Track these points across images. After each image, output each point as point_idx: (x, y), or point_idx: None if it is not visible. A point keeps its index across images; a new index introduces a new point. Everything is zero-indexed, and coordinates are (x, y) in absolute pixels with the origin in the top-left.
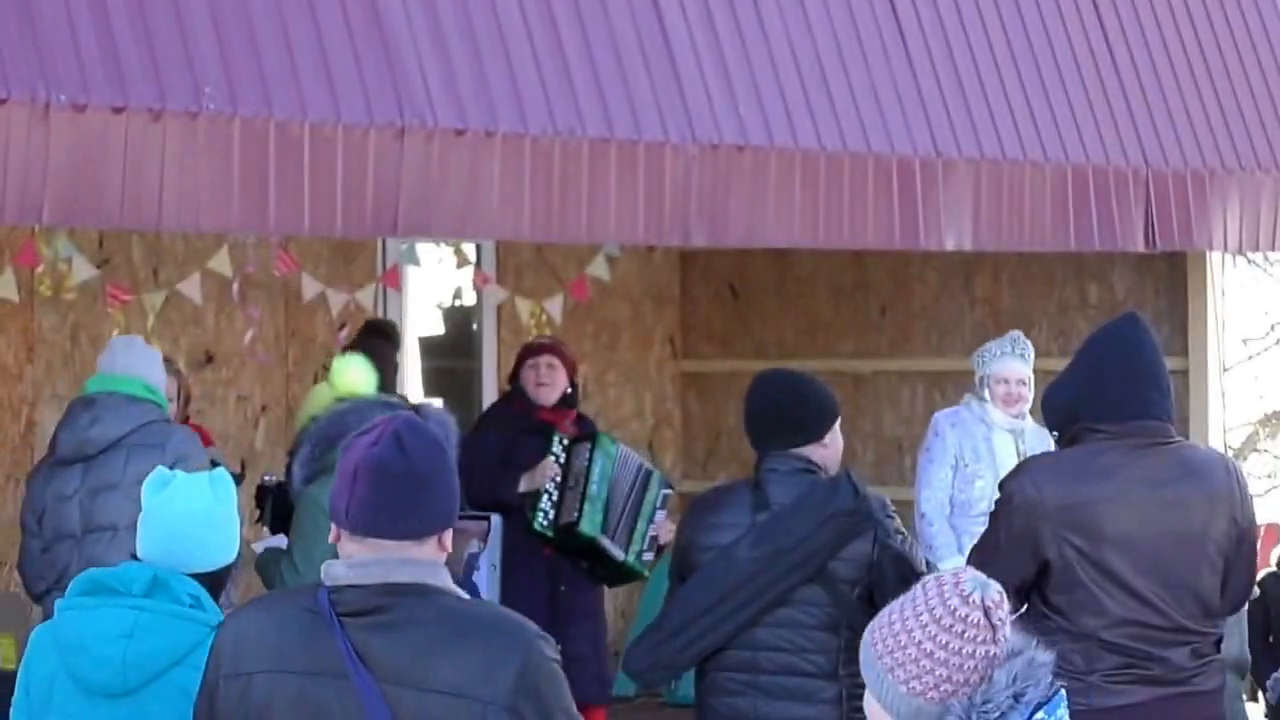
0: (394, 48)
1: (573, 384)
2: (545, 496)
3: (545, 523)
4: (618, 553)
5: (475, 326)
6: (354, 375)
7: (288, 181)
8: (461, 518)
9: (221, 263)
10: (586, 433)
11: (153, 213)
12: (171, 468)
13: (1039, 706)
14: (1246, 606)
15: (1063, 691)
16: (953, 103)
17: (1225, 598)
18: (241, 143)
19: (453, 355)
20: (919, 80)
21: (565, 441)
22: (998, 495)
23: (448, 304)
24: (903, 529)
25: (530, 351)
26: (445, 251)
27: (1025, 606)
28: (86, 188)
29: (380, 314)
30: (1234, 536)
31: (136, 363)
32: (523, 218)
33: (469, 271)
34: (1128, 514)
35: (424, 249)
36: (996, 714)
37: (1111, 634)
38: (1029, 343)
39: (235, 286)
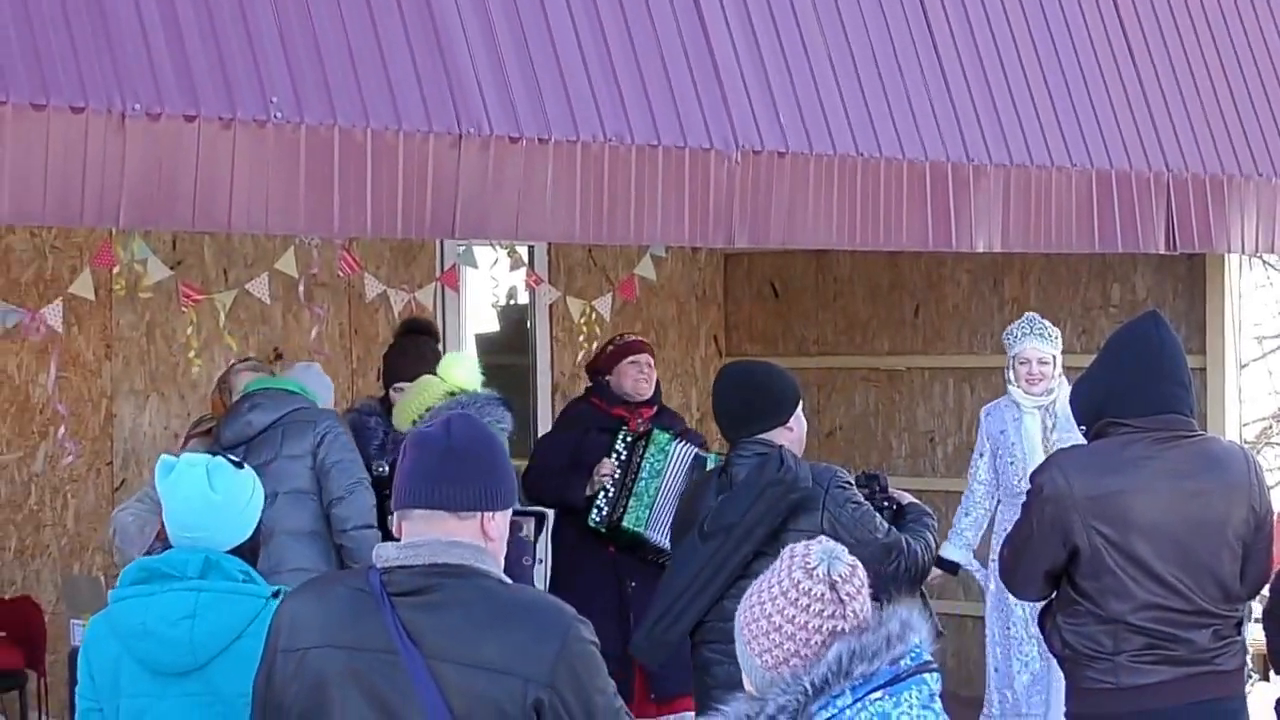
0: (451, 59)
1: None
2: (602, 494)
3: (599, 519)
4: (665, 543)
5: (529, 324)
6: (464, 372)
7: (351, 186)
8: (516, 514)
9: (288, 264)
10: (643, 431)
11: (223, 216)
12: (318, 446)
13: (882, 685)
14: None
15: (928, 675)
16: (983, 111)
17: (1244, 582)
18: (307, 149)
19: (507, 352)
20: (951, 90)
21: (628, 439)
22: (1029, 486)
23: (503, 303)
24: (858, 499)
25: (630, 349)
26: (500, 253)
27: (1056, 591)
28: (161, 192)
29: (439, 313)
30: (1252, 524)
31: (296, 373)
32: (574, 221)
33: (523, 272)
34: (1153, 504)
35: (480, 251)
36: (818, 685)
37: (1137, 617)
38: (1047, 322)
39: (301, 286)
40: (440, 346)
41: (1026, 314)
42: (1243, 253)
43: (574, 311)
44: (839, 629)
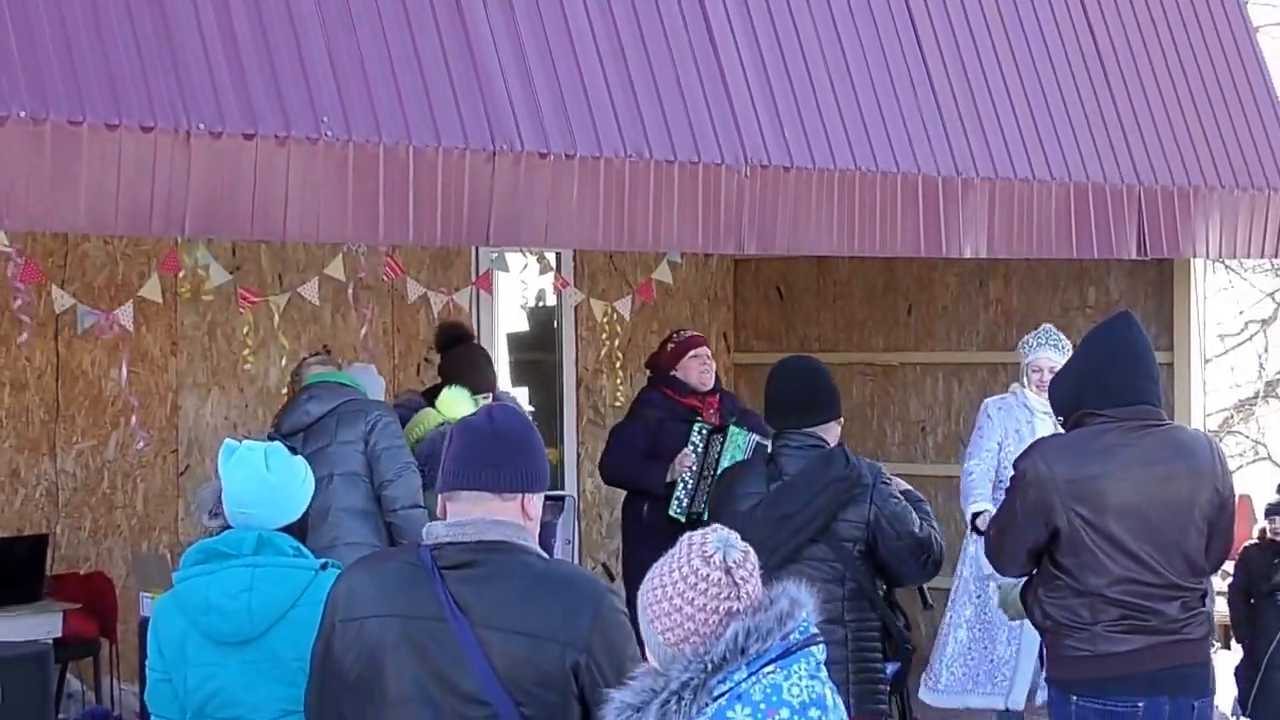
0: (486, 81)
1: None
2: (682, 485)
3: (679, 510)
4: None
5: (555, 324)
6: (462, 407)
7: (395, 198)
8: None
9: (337, 269)
10: (724, 423)
11: (278, 226)
12: (369, 434)
13: (774, 659)
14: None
15: (815, 648)
16: (970, 129)
17: (1209, 558)
18: (355, 165)
19: (536, 349)
20: (941, 109)
21: (705, 431)
22: (1012, 473)
23: (532, 304)
24: (898, 494)
25: (690, 345)
26: (530, 259)
27: (1038, 568)
28: (222, 204)
29: (474, 314)
30: (1216, 505)
31: (353, 372)
32: (597, 229)
33: (550, 276)
34: (1126, 487)
35: (512, 257)
36: (716, 662)
37: (1113, 591)
38: (1062, 335)
39: (349, 289)
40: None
41: (1043, 325)
42: (1207, 258)
43: (597, 312)
44: (734, 609)
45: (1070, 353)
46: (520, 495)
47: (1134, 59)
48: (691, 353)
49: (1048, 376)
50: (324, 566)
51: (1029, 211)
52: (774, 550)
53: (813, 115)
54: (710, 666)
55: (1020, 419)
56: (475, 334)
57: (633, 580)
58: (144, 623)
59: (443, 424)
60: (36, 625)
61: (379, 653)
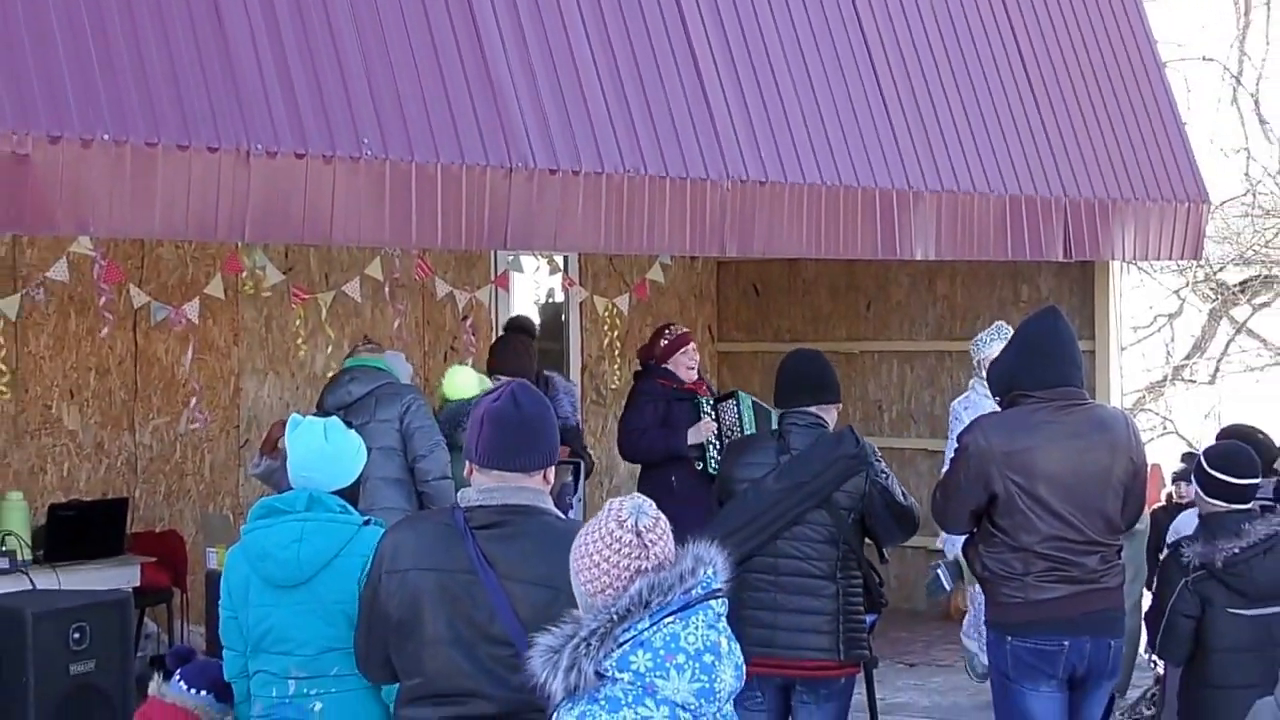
0: (504, 108)
1: None
2: (710, 446)
3: (715, 468)
4: None
5: (563, 318)
6: (463, 380)
7: (425, 208)
8: (560, 463)
9: (376, 269)
10: (727, 393)
11: (325, 232)
12: (404, 414)
13: (674, 611)
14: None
15: (714, 601)
16: (920, 149)
17: (1124, 518)
18: (391, 180)
19: (547, 338)
20: (895, 132)
21: (710, 403)
22: (956, 446)
23: (543, 300)
24: (887, 469)
25: (681, 342)
26: (542, 261)
27: (978, 527)
28: (277, 214)
29: (493, 308)
30: (1131, 472)
31: (386, 357)
32: (599, 235)
33: (559, 276)
34: (1054, 458)
35: (526, 259)
36: (621, 613)
37: (1042, 546)
38: (1011, 329)
39: (386, 287)
40: (534, 342)
41: (996, 323)
42: (1123, 260)
43: (599, 307)
44: (643, 568)
45: None
46: (540, 469)
47: (1060, 89)
48: (682, 349)
49: None
50: (366, 523)
51: (971, 220)
52: (783, 513)
53: (785, 137)
54: (616, 617)
55: (985, 409)
56: (535, 329)
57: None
58: (210, 574)
59: (444, 401)
60: (118, 576)
61: (419, 600)
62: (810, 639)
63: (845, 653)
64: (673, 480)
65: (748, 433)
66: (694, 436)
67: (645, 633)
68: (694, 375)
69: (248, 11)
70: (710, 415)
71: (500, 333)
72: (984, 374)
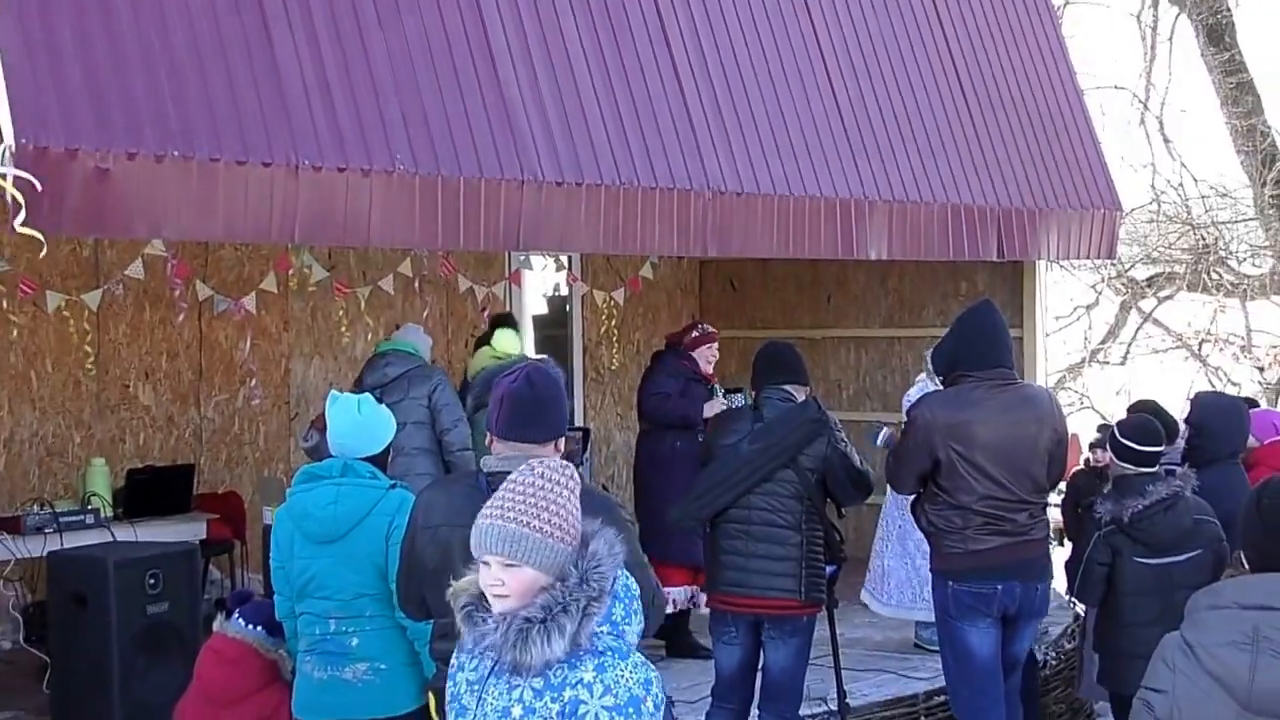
0: (517, 130)
1: None
2: None
3: None
4: None
5: (567, 309)
6: (509, 342)
7: (449, 215)
8: (570, 430)
9: (407, 268)
10: (735, 386)
11: (363, 235)
12: (433, 394)
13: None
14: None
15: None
16: (874, 165)
17: (1049, 480)
18: (420, 190)
19: (553, 326)
20: (853, 150)
21: (726, 392)
22: (905, 419)
23: (550, 294)
24: (845, 439)
25: (710, 337)
26: (549, 260)
27: (924, 488)
28: (322, 219)
29: (507, 302)
30: (1054, 441)
31: (409, 334)
32: (599, 237)
33: (564, 273)
34: (989, 429)
35: (535, 259)
36: (612, 573)
37: (978, 505)
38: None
39: (416, 283)
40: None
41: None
42: (1046, 259)
43: (598, 299)
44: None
45: None
46: (552, 440)
47: (994, 112)
48: (708, 344)
49: None
50: (393, 487)
51: (917, 225)
52: (755, 470)
53: (758, 154)
54: (609, 576)
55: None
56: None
57: (654, 504)
58: (266, 529)
59: (495, 357)
60: (187, 530)
61: (449, 551)
62: (777, 581)
63: (807, 594)
64: (677, 444)
65: None
66: (709, 410)
67: (615, 585)
68: (710, 369)
69: (296, 45)
70: (725, 402)
71: (486, 327)
72: (928, 368)
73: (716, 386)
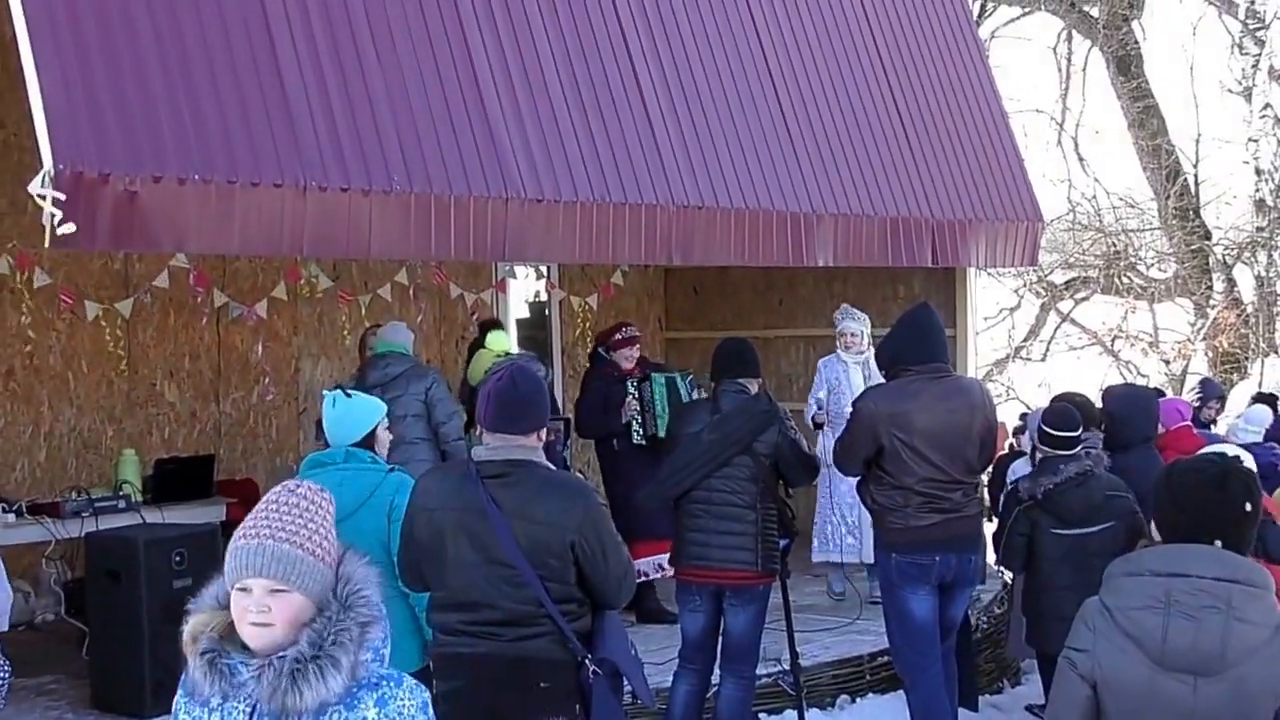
0: (500, 152)
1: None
2: (635, 421)
3: (640, 436)
4: None
5: (546, 313)
6: (501, 341)
7: (441, 228)
8: (551, 419)
9: (403, 277)
10: (643, 375)
11: (363, 248)
12: (428, 390)
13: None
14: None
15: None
16: (821, 181)
17: (980, 462)
18: (415, 207)
19: (535, 329)
20: (802, 169)
21: (634, 384)
22: (851, 410)
23: (531, 300)
24: (794, 427)
25: (630, 340)
26: (530, 270)
27: (868, 470)
28: (327, 234)
29: (494, 309)
30: (985, 427)
31: (398, 334)
32: (574, 249)
33: (544, 281)
34: (927, 417)
35: (519, 269)
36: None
37: (918, 485)
38: (857, 310)
39: (411, 290)
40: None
41: (844, 305)
42: (975, 266)
43: (574, 304)
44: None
45: (862, 320)
46: (534, 432)
47: (929, 134)
48: (628, 346)
49: (850, 340)
50: (391, 470)
51: (860, 235)
52: (714, 457)
53: (717, 172)
54: (376, 604)
55: (839, 369)
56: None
57: (617, 492)
58: None
59: (496, 356)
60: (208, 513)
61: (443, 531)
62: (735, 554)
63: (763, 565)
64: (615, 445)
65: (658, 404)
66: (624, 415)
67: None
68: (630, 365)
69: (304, 80)
70: (633, 394)
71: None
72: (838, 342)
73: (631, 381)
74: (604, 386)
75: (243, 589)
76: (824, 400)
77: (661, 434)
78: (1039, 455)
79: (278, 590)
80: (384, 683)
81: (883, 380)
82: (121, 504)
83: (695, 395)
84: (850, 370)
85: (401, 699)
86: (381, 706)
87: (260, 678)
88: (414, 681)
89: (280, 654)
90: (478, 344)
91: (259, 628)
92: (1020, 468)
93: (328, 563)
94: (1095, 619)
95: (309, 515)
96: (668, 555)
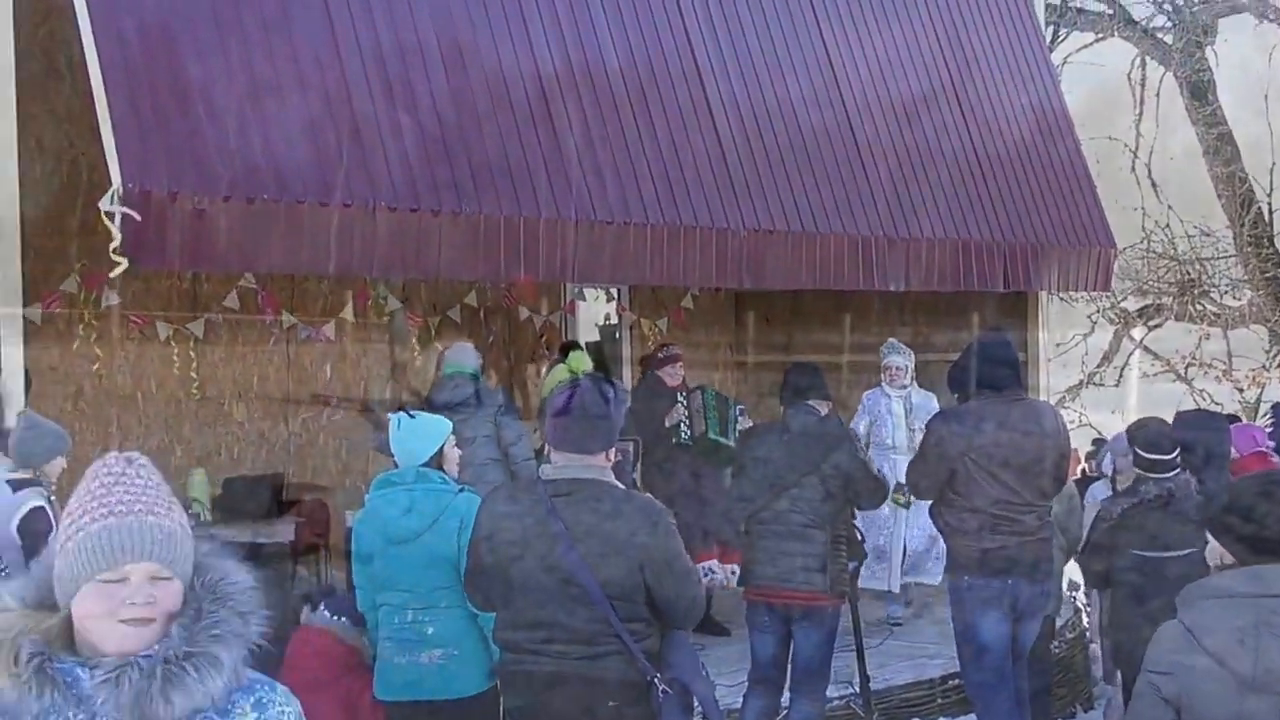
0: (572, 175)
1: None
2: (683, 423)
3: (686, 437)
4: (727, 441)
5: (617, 336)
6: (581, 361)
7: (510, 250)
8: (621, 440)
9: (472, 299)
10: (697, 386)
11: (434, 269)
12: (498, 409)
13: None
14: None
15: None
16: (893, 206)
17: (1052, 486)
18: (484, 229)
19: (604, 352)
20: (873, 192)
21: (684, 396)
22: (925, 432)
23: (602, 323)
24: (863, 449)
25: (672, 359)
26: (600, 292)
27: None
28: (395, 254)
29: (564, 331)
30: (1058, 452)
31: (465, 356)
32: (645, 271)
33: (614, 304)
34: (999, 439)
35: (589, 291)
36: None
37: (991, 508)
38: (902, 344)
39: (480, 312)
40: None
41: (890, 339)
42: (1047, 290)
43: (645, 328)
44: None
45: (907, 354)
46: (602, 451)
47: (1002, 160)
48: (671, 364)
49: (894, 373)
50: (460, 491)
51: (932, 260)
52: (783, 478)
53: (787, 195)
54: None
55: (880, 401)
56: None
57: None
58: (348, 531)
59: (570, 373)
60: (279, 531)
61: (509, 550)
62: (804, 575)
63: (832, 588)
64: (663, 450)
65: (708, 408)
66: (669, 420)
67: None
68: (675, 381)
69: (374, 101)
70: (682, 404)
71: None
72: (883, 375)
73: (680, 395)
74: (656, 395)
75: (116, 579)
76: (864, 432)
77: (712, 435)
78: (1122, 478)
79: (160, 578)
80: (259, 686)
81: (930, 412)
82: (191, 523)
83: (741, 421)
84: (893, 403)
85: (280, 704)
86: (261, 712)
87: (117, 683)
88: (286, 688)
89: (145, 653)
90: (557, 364)
91: (136, 625)
92: (1099, 490)
93: (193, 545)
94: (1178, 641)
95: (160, 487)
96: (713, 562)
